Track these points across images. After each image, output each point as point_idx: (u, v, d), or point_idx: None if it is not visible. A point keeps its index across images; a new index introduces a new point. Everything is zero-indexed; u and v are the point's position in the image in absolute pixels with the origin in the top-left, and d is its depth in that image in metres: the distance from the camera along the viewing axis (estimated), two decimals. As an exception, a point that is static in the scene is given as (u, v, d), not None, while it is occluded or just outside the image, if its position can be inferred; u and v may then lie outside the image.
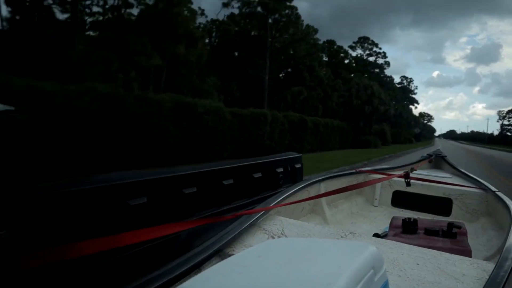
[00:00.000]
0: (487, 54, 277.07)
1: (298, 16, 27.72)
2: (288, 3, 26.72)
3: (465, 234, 1.92)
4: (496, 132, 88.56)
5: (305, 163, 3.84)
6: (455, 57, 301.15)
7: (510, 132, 73.07)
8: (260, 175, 2.62)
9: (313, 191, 2.51)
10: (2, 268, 1.03)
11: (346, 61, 42.15)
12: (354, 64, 43.19)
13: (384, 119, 35.15)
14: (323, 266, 0.78)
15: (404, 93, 55.25)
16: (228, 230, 1.53)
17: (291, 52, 29.16)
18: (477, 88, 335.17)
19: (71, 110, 7.26)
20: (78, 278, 1.28)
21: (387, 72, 49.52)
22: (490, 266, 1.32)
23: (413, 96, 62.99)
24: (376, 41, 41.77)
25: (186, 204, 1.90)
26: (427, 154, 4.71)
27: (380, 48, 48.29)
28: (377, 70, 45.95)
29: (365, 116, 32.31)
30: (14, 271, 1.05)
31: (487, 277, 1.21)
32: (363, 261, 0.78)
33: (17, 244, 1.14)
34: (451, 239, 1.84)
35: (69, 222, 1.31)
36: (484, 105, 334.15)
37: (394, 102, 41.25)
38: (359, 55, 45.91)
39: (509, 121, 79.75)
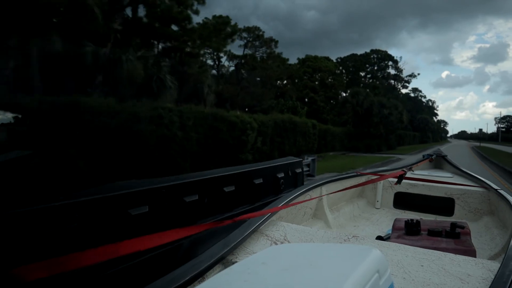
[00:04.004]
0: (495, 53, 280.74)
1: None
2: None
3: (468, 233, 1.91)
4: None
5: (411, 148, 33.72)
6: (463, 58, 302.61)
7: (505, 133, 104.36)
8: (261, 181, 2.61)
9: (314, 195, 2.51)
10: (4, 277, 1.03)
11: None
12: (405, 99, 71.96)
13: (429, 130, 76.21)
14: (328, 271, 0.78)
15: (429, 110, 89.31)
16: (231, 237, 1.52)
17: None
18: (486, 87, 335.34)
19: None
20: None
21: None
22: (495, 266, 1.31)
23: (435, 111, 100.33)
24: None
25: (187, 213, 1.90)
26: (428, 154, 4.70)
27: (423, 93, 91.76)
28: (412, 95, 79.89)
29: (425, 130, 71.42)
30: (15, 282, 1.04)
31: (493, 277, 1.20)
32: (368, 265, 0.77)
33: (20, 255, 1.13)
34: (455, 239, 1.84)
35: (70, 233, 1.31)
36: (494, 103, 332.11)
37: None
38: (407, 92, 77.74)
39: (502, 124, 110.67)
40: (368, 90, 36.92)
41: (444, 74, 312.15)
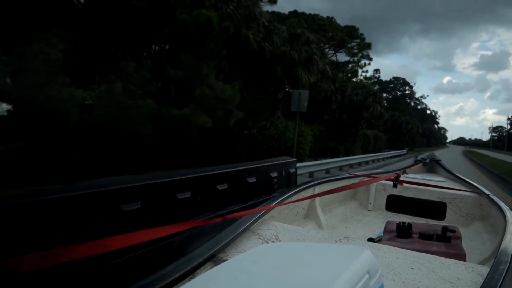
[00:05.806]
0: (496, 61, 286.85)
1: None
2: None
3: (459, 238, 1.92)
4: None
5: (423, 149, 56.44)
6: (464, 65, 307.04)
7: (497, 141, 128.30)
8: (255, 179, 2.61)
9: (307, 195, 2.51)
10: None
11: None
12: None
13: (432, 136, 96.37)
14: (318, 271, 0.77)
15: (432, 119, 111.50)
16: (222, 235, 1.52)
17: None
18: (487, 94, 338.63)
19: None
20: (71, 285, 1.26)
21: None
22: (484, 270, 1.32)
23: (437, 120, 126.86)
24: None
25: (179, 210, 1.89)
26: (421, 158, 4.72)
27: (428, 106, 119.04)
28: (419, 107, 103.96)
29: (429, 136, 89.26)
30: (5, 276, 1.03)
31: (482, 281, 1.21)
32: (358, 266, 0.77)
33: (10, 247, 1.12)
34: (446, 243, 1.85)
35: (61, 229, 1.30)
36: (494, 110, 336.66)
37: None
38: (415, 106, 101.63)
39: (495, 133, 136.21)
40: (390, 110, 60.25)
41: (446, 80, 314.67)
